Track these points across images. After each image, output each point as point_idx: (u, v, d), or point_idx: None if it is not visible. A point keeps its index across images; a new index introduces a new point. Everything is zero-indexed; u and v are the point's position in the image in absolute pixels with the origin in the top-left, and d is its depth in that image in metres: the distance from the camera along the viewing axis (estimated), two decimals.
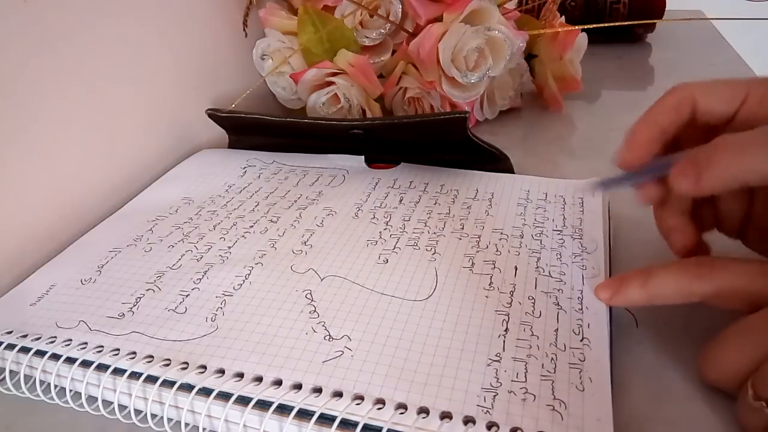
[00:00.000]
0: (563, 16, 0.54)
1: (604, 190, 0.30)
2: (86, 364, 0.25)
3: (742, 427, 0.22)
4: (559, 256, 0.30)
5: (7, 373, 0.26)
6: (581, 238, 0.32)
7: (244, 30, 0.52)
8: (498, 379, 0.23)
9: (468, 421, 0.22)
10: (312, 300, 0.28)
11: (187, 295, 0.29)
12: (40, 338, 0.27)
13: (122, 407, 0.25)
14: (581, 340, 0.25)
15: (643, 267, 0.25)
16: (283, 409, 0.22)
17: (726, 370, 0.22)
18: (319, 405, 0.22)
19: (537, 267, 0.30)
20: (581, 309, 0.27)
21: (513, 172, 0.40)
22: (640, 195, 0.28)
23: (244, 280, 0.30)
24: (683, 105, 0.26)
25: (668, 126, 0.27)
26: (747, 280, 0.23)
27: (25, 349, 0.26)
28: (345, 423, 0.22)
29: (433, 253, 0.31)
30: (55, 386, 0.25)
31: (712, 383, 0.24)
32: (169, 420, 0.24)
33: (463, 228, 0.33)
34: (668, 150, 0.27)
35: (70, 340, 0.26)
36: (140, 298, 0.29)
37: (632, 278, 0.25)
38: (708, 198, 0.28)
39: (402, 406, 0.22)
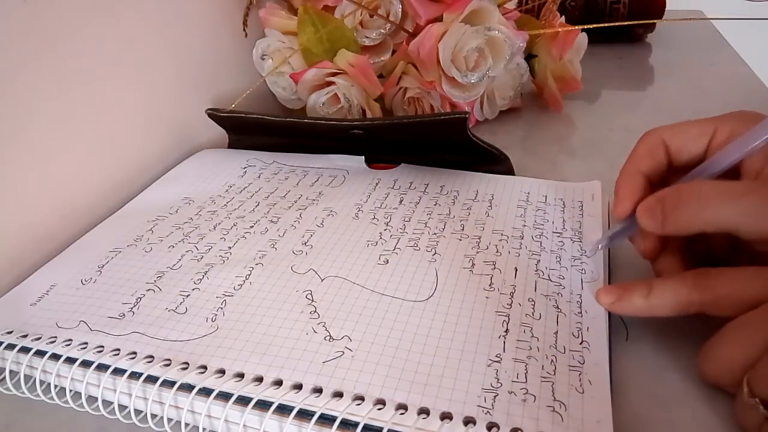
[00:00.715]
0: (563, 16, 0.54)
1: (609, 246, 0.30)
2: (86, 364, 0.25)
3: (739, 425, 0.22)
4: (558, 259, 0.31)
5: (7, 373, 0.26)
6: (581, 241, 0.32)
7: (244, 30, 0.52)
8: (498, 379, 0.23)
9: (468, 421, 0.22)
10: (312, 300, 0.28)
11: (187, 296, 0.29)
12: (40, 338, 0.27)
13: (122, 407, 0.25)
14: (581, 343, 0.25)
15: (643, 278, 0.26)
16: (284, 410, 0.22)
17: (723, 366, 0.23)
18: (320, 405, 0.22)
19: (537, 270, 0.30)
20: (580, 312, 0.27)
21: (513, 173, 0.40)
22: (640, 250, 0.28)
23: (244, 281, 0.30)
24: (656, 149, 0.28)
25: (648, 171, 0.28)
26: (743, 285, 0.23)
27: (25, 349, 0.26)
28: (345, 423, 0.22)
29: (434, 254, 0.31)
30: (55, 386, 0.25)
31: (710, 381, 0.24)
32: (169, 420, 0.24)
33: (463, 229, 0.33)
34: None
35: (71, 340, 0.26)
36: (141, 298, 0.29)
37: (636, 288, 0.26)
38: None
39: (402, 407, 0.22)
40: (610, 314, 0.27)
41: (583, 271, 0.30)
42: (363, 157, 0.42)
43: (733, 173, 0.26)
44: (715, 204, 0.24)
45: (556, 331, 0.26)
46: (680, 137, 0.27)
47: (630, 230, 0.28)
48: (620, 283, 0.27)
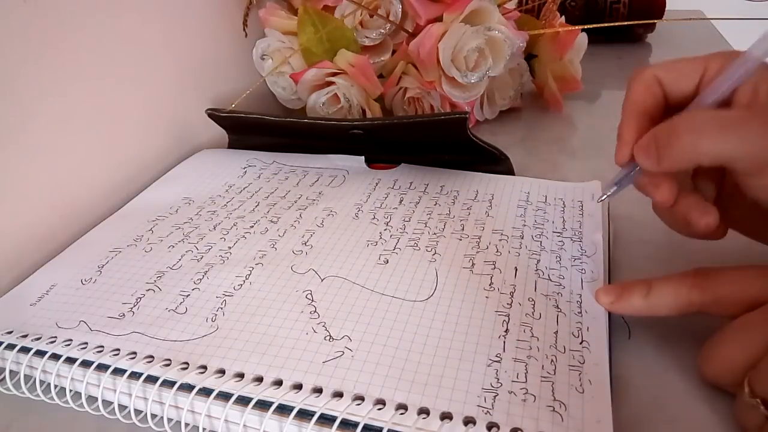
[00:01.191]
0: (563, 16, 0.54)
1: (616, 193, 0.29)
2: (86, 364, 0.25)
3: (740, 425, 0.22)
4: (558, 259, 0.31)
5: (7, 373, 0.26)
6: (581, 241, 0.32)
7: (244, 30, 0.52)
8: (498, 379, 0.23)
9: (468, 421, 0.22)
10: (312, 300, 0.28)
11: (187, 296, 0.29)
12: (40, 338, 0.27)
13: (122, 407, 0.25)
14: (581, 343, 0.25)
15: (642, 278, 0.26)
16: (284, 410, 0.22)
17: (724, 367, 0.23)
18: (320, 405, 0.22)
19: (537, 269, 0.30)
20: (580, 312, 0.27)
21: (513, 173, 0.40)
22: (656, 199, 0.27)
23: (244, 281, 0.30)
24: (652, 85, 0.27)
25: (650, 109, 0.27)
26: (743, 286, 0.23)
27: (25, 349, 0.26)
28: (345, 423, 0.22)
29: (434, 254, 0.31)
30: (55, 386, 0.25)
31: (710, 380, 0.24)
32: (169, 420, 0.24)
33: (463, 229, 0.33)
34: None
35: (71, 340, 0.26)
36: (140, 298, 0.29)
37: (635, 287, 0.25)
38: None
39: (402, 407, 0.22)
40: (610, 314, 0.27)
41: (583, 271, 0.30)
42: (363, 157, 0.42)
43: (724, 107, 0.26)
44: (709, 135, 0.23)
45: (556, 331, 0.26)
46: (673, 74, 0.27)
47: (635, 174, 0.27)
48: (619, 283, 0.27)
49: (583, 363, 0.24)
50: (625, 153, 0.27)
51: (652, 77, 0.27)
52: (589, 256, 0.31)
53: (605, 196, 0.29)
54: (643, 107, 0.27)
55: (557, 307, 0.27)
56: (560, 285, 0.29)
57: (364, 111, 0.47)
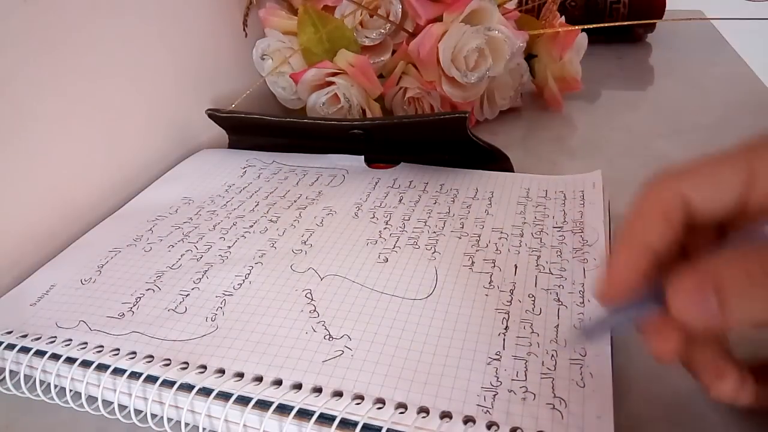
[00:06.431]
0: (563, 16, 0.54)
1: (591, 339, 0.24)
2: (86, 364, 0.25)
3: None
4: (559, 253, 0.30)
5: (7, 373, 0.26)
6: (582, 232, 0.32)
7: (244, 30, 0.52)
8: (498, 378, 0.23)
9: (468, 420, 0.22)
10: (312, 299, 0.28)
11: (187, 295, 0.29)
12: (40, 338, 0.27)
13: (122, 407, 0.25)
14: None
15: None
16: (283, 409, 0.22)
17: None
18: (319, 405, 0.22)
19: (537, 265, 0.30)
20: (582, 303, 0.27)
21: (513, 172, 0.40)
22: (657, 352, 0.20)
23: (244, 280, 0.30)
24: (673, 212, 0.20)
25: (659, 244, 0.20)
26: None
27: (25, 349, 0.26)
28: (345, 423, 0.22)
29: (433, 252, 0.31)
30: (55, 386, 0.25)
31: None
32: (169, 420, 0.24)
33: (462, 227, 0.33)
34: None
35: (70, 340, 0.26)
36: (140, 297, 0.29)
37: None
38: None
39: (402, 406, 0.22)
40: None
41: (585, 260, 0.29)
42: (363, 156, 0.42)
43: None
44: None
45: (557, 325, 0.26)
46: (707, 187, 0.19)
47: (625, 317, 0.21)
48: None
49: (585, 356, 0.24)
50: (611, 290, 0.20)
51: (675, 196, 0.19)
52: (591, 245, 0.31)
53: (587, 337, 0.23)
54: (652, 238, 0.20)
55: (558, 300, 0.27)
56: (561, 277, 0.29)
57: (364, 111, 0.47)
